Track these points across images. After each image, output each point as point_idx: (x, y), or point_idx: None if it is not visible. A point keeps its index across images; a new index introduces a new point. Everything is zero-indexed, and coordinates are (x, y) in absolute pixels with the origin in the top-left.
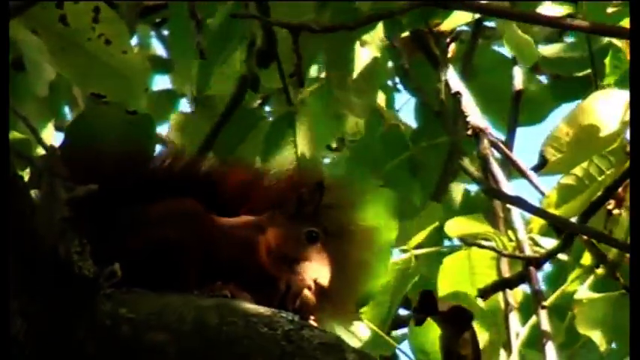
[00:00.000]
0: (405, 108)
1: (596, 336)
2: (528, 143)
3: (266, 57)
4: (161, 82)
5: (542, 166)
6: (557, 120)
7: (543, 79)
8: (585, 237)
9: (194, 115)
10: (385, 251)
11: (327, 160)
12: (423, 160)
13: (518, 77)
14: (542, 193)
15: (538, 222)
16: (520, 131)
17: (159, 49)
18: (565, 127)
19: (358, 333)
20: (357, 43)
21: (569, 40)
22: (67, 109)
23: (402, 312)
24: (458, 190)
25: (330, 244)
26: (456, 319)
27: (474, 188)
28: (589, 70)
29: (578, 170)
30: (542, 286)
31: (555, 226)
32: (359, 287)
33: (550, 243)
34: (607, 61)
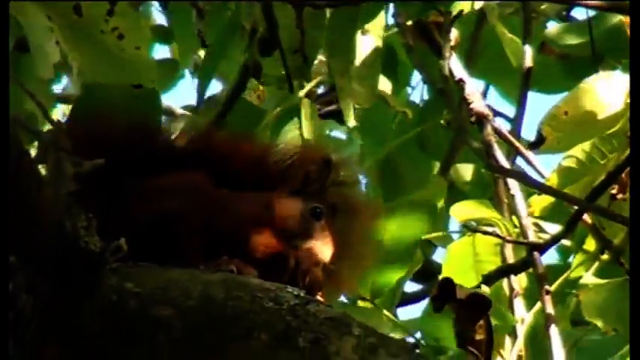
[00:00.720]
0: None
1: (601, 322)
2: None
3: (268, 45)
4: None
5: (539, 143)
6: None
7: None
8: (589, 222)
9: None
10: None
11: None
12: (432, 137)
13: (528, 56)
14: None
15: (539, 203)
16: (529, 110)
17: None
18: (564, 106)
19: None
20: (359, 32)
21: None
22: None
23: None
24: (464, 169)
25: (335, 221)
26: (474, 306)
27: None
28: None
29: (579, 153)
30: None
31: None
32: (364, 264)
33: (554, 228)
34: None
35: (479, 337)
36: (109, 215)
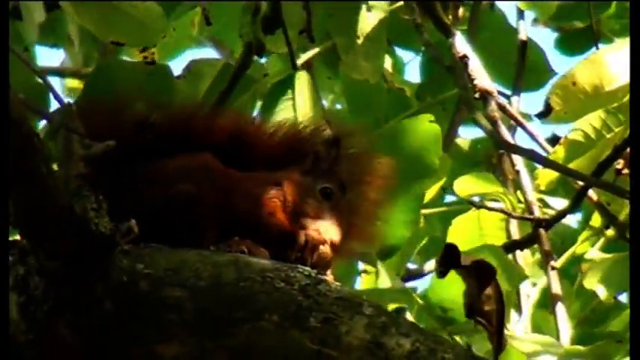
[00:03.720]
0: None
1: (601, 290)
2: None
3: (272, 23)
4: None
5: (546, 113)
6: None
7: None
8: (595, 198)
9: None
10: (417, 198)
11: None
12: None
13: (523, 30)
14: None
15: (545, 177)
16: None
17: None
18: (572, 77)
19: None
20: (364, 8)
21: None
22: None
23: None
24: (464, 144)
25: (346, 197)
26: (479, 274)
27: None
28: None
29: (585, 126)
30: None
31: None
32: (379, 233)
33: (560, 204)
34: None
35: (488, 307)
36: (120, 198)
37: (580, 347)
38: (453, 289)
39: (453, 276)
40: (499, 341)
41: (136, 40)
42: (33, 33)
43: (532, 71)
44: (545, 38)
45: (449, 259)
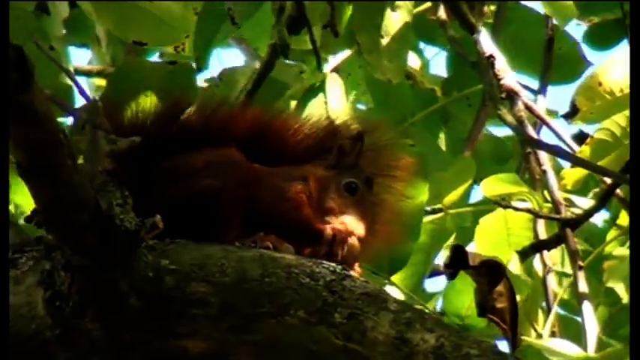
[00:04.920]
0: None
1: (620, 288)
2: (561, 93)
3: (296, 23)
4: None
5: (573, 114)
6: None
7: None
8: (622, 196)
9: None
10: (417, 213)
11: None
12: (454, 111)
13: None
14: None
15: (571, 177)
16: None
17: None
18: (597, 77)
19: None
20: (388, 8)
21: None
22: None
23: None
24: (489, 139)
25: (371, 191)
26: (489, 273)
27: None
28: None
29: (612, 125)
30: None
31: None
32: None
33: (586, 203)
34: None
35: (500, 304)
36: (145, 193)
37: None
38: (467, 298)
39: (465, 284)
40: (514, 337)
41: (158, 40)
42: (59, 28)
43: (565, 63)
44: (574, 32)
45: (457, 260)
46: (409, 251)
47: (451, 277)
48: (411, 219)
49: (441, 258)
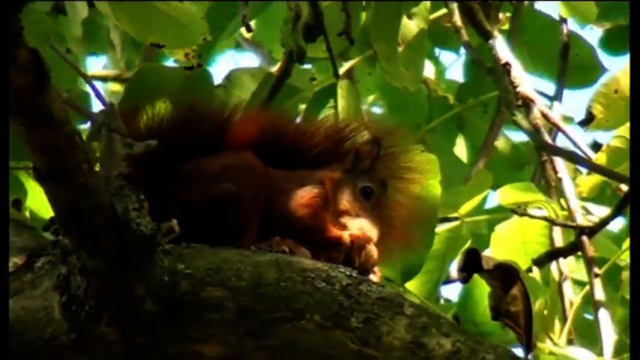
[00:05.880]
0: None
1: None
2: (578, 100)
3: (313, 30)
4: None
5: (588, 121)
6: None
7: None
8: None
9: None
10: (431, 218)
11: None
12: (469, 117)
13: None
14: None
15: (587, 184)
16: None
17: None
18: (613, 84)
19: None
20: (404, 15)
21: None
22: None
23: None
24: (505, 145)
25: (386, 195)
26: (503, 276)
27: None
28: None
29: (627, 133)
30: None
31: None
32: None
33: (602, 211)
34: None
35: (514, 308)
36: (161, 197)
37: None
38: (481, 303)
39: (480, 290)
40: (528, 340)
41: (175, 42)
42: (77, 28)
43: (581, 68)
44: (589, 38)
45: (470, 264)
46: (423, 257)
47: (465, 280)
48: (426, 222)
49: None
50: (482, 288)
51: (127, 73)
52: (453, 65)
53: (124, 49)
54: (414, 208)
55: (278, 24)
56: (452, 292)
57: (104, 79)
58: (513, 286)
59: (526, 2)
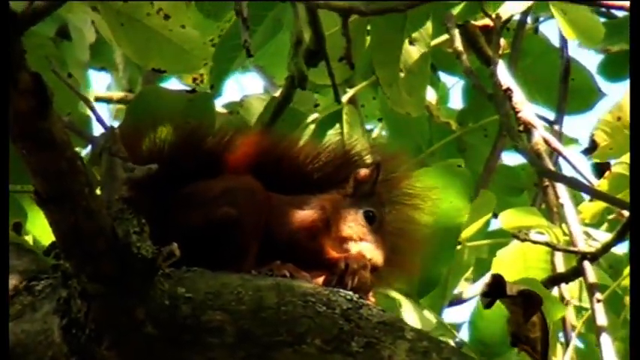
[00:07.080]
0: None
1: None
2: (577, 125)
3: (314, 56)
4: None
5: (592, 149)
6: (609, 104)
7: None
8: None
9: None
10: (454, 234)
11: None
12: (470, 141)
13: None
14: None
15: (589, 211)
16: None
17: None
18: (616, 112)
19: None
20: (406, 41)
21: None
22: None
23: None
24: (503, 169)
25: (387, 218)
26: (526, 303)
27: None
28: None
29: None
30: None
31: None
32: (417, 257)
33: (604, 236)
34: None
35: (533, 335)
36: (161, 220)
37: None
38: (493, 324)
39: (493, 312)
40: None
41: (177, 67)
42: (84, 53)
43: (579, 93)
44: (587, 63)
45: (495, 289)
46: (440, 273)
47: (488, 305)
48: (445, 241)
49: (460, 288)
50: (495, 309)
51: (131, 95)
52: (454, 87)
53: (126, 67)
54: (415, 233)
55: (281, 50)
56: (455, 314)
57: (108, 100)
58: (535, 313)
59: (527, 27)
